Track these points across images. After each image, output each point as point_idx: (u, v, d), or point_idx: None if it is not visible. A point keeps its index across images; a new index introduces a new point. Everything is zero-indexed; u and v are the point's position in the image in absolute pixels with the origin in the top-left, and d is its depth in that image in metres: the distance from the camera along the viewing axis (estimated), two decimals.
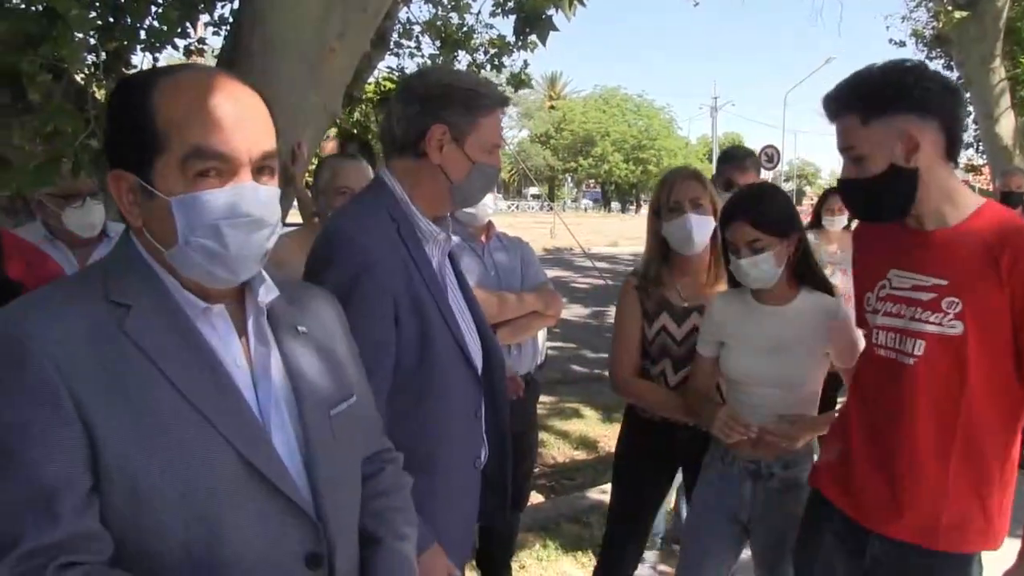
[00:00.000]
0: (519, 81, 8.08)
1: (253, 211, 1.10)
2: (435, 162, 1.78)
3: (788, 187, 54.11)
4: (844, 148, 1.80)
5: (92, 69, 3.11)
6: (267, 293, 1.20)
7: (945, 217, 1.81)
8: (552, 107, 61.81)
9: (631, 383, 2.72)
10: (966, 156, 14.43)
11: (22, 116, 2.80)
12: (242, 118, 1.11)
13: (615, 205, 64.72)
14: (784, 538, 2.28)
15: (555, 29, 5.44)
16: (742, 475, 2.36)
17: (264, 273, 1.21)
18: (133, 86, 1.13)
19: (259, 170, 1.13)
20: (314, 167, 3.62)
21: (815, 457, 2.32)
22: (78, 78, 3.37)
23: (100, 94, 3.31)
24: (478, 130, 1.77)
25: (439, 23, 7.19)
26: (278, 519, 1.12)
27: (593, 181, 64.91)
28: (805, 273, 2.34)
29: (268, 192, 1.13)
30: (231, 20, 4.24)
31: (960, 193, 1.82)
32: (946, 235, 1.80)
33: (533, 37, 5.89)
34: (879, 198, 1.81)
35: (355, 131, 6.10)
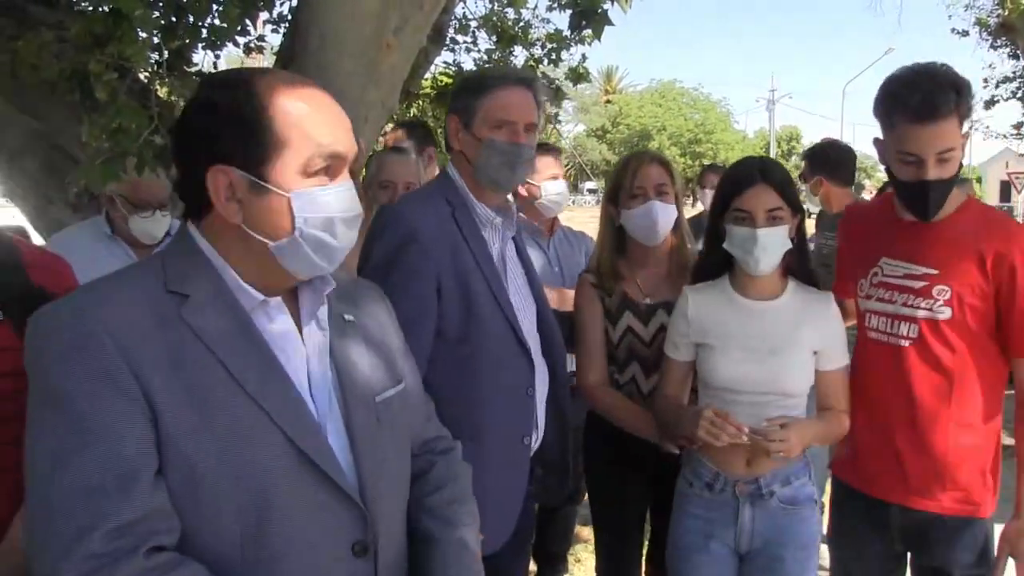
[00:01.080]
0: (577, 75, 8.03)
1: (356, 207, 1.22)
2: (457, 149, 1.99)
3: None
4: (945, 149, 1.83)
5: (156, 67, 3.17)
6: (325, 284, 1.25)
7: (944, 210, 1.98)
8: (608, 101, 61.43)
9: (601, 394, 2.47)
10: None
11: (91, 115, 2.88)
12: (343, 121, 1.23)
13: (689, 199, 64.01)
14: (785, 570, 2.06)
15: (610, 23, 5.37)
16: (739, 501, 2.08)
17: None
18: (234, 86, 1.18)
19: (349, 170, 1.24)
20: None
21: (812, 470, 2.17)
22: (142, 76, 3.45)
23: (163, 92, 3.38)
24: (482, 111, 1.91)
25: (495, 18, 7.18)
26: (327, 506, 1.15)
27: None
28: (798, 263, 2.12)
29: (355, 188, 1.25)
30: (289, 18, 4.29)
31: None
32: (937, 228, 1.98)
33: (588, 31, 5.85)
34: (945, 195, 1.93)
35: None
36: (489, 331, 1.91)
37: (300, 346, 1.22)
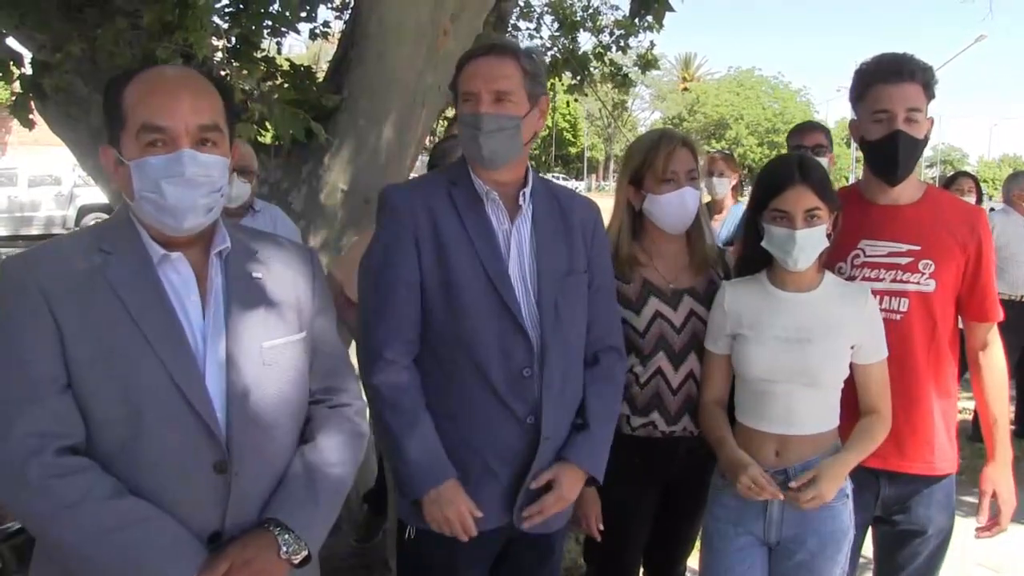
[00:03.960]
0: (646, 62, 7.97)
1: (186, 171, 1.37)
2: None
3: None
4: (912, 108, 2.06)
5: (225, 54, 3.33)
6: (220, 243, 1.48)
7: (911, 194, 2.18)
8: (686, 89, 60.42)
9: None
10: None
11: None
12: (178, 99, 1.39)
13: (748, 189, 62.51)
14: (814, 564, 2.06)
15: (671, 10, 5.32)
16: None
17: (223, 228, 1.50)
18: (115, 81, 1.45)
19: (201, 141, 1.40)
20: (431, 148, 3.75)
21: None
22: (213, 62, 3.61)
23: (231, 79, 3.54)
24: (458, 86, 1.92)
25: (560, 4, 7.20)
26: (192, 427, 1.37)
27: None
28: None
29: (207, 158, 1.40)
30: (351, 5, 4.43)
31: (915, 176, 2.20)
32: (913, 210, 2.16)
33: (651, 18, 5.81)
34: (914, 157, 2.11)
35: None
36: (471, 304, 1.87)
37: (195, 296, 1.44)
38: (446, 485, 1.84)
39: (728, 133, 54.94)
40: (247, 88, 3.12)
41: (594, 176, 58.68)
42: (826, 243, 2.02)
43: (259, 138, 3.67)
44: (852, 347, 2.05)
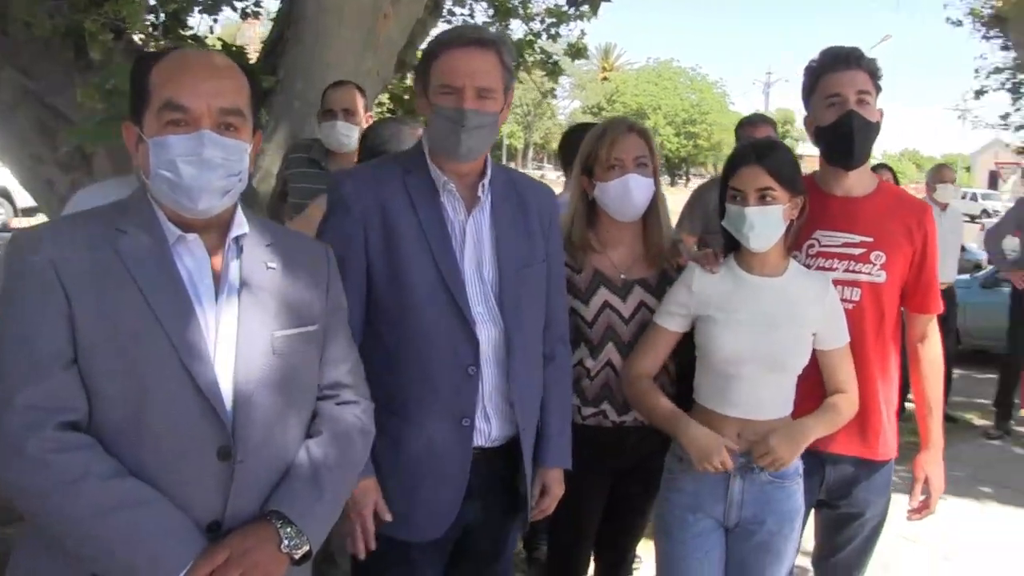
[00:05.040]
0: (576, 51, 7.97)
1: (205, 152, 1.36)
2: (421, 115, 1.95)
3: None
4: (862, 90, 2.13)
5: (152, 29, 3.15)
6: (236, 229, 1.46)
7: (865, 187, 2.22)
8: (605, 79, 61.09)
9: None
10: (1020, 138, 14.29)
11: (84, 74, 2.86)
12: (205, 80, 1.38)
13: (664, 178, 63.85)
14: (772, 543, 2.09)
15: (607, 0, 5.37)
16: (729, 475, 2.06)
17: (241, 214, 1.48)
18: (143, 60, 1.44)
19: (224, 126, 1.38)
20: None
21: None
22: (136, 38, 3.43)
23: None
24: (432, 75, 1.83)
25: None
26: (198, 410, 1.34)
27: None
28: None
29: (227, 142, 1.38)
30: None
31: (868, 168, 2.28)
32: (866, 202, 2.20)
33: (586, 7, 5.82)
34: (869, 140, 2.16)
35: (405, 96, 6.10)
36: (419, 297, 1.82)
37: (209, 279, 1.42)
38: (362, 484, 1.76)
39: (647, 123, 55.87)
40: None
41: (513, 163, 58.84)
42: (783, 225, 2.04)
43: None
44: (814, 334, 2.09)
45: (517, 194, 2.00)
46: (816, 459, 2.17)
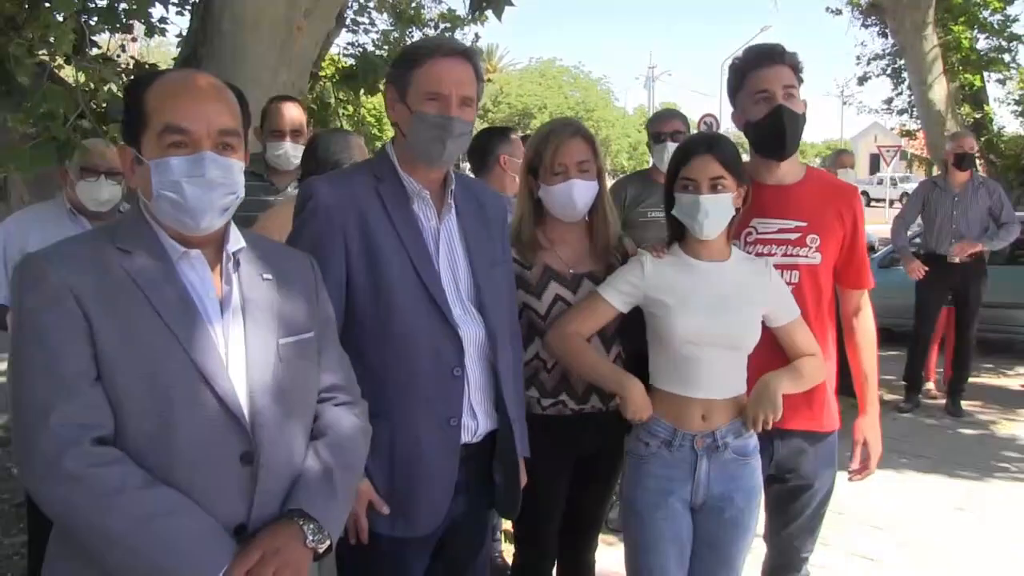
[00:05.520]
0: None
1: (207, 173, 1.42)
2: (392, 120, 1.97)
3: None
4: (787, 85, 2.24)
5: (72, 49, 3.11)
6: (234, 244, 1.52)
7: (795, 175, 2.35)
8: (489, 80, 61.20)
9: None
10: (900, 121, 14.59)
11: (4, 99, 2.81)
12: (202, 103, 1.44)
13: None
14: (739, 518, 2.19)
15: (510, 4, 5.48)
16: (697, 455, 2.16)
17: (235, 229, 1.54)
18: (136, 83, 1.50)
19: (222, 146, 1.44)
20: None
21: None
22: (47, 60, 3.36)
23: (77, 76, 3.31)
24: (415, 82, 1.88)
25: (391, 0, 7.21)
26: (219, 419, 1.40)
27: None
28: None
29: (226, 162, 1.45)
30: (197, 0, 4.23)
31: (796, 158, 2.37)
32: (797, 189, 2.33)
33: (488, 11, 5.94)
34: (798, 131, 2.27)
35: (314, 107, 6.11)
36: (401, 302, 1.87)
37: (214, 293, 1.47)
38: None
39: (532, 122, 56.43)
40: (114, 87, 2.94)
41: None
42: (731, 212, 2.17)
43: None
44: (764, 315, 2.22)
45: (476, 199, 2.09)
46: (764, 435, 2.25)
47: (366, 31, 7.20)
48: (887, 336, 7.47)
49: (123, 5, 3.37)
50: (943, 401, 6.20)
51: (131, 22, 3.54)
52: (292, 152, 3.19)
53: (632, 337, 2.36)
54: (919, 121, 11.92)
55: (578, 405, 2.38)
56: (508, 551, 3.63)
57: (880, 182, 31.84)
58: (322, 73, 6.61)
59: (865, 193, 28.33)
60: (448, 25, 7.68)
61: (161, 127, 1.42)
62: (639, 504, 2.21)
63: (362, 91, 6.69)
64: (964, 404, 6.07)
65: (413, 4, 7.72)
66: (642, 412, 2.15)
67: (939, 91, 9.98)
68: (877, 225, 12.84)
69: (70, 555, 1.39)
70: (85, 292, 1.36)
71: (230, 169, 1.46)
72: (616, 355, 2.40)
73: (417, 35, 7.65)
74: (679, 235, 2.24)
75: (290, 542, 1.42)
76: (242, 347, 1.47)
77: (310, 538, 1.44)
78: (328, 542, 1.48)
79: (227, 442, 1.42)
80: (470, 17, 7.08)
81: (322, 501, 1.50)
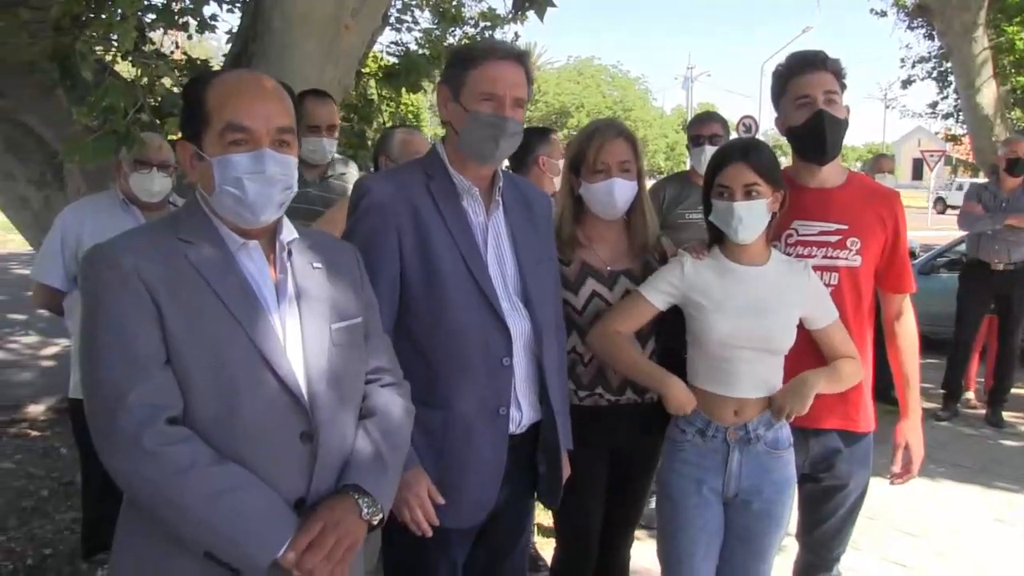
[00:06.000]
0: None
1: (267, 170, 1.50)
2: (445, 119, 2.04)
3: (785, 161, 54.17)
4: (829, 90, 2.28)
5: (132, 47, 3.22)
6: (287, 235, 1.60)
7: (837, 178, 2.39)
8: None
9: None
10: (946, 126, 14.38)
11: (71, 93, 2.92)
12: (261, 102, 1.52)
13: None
14: (772, 510, 2.23)
15: (552, 5, 5.51)
16: (729, 446, 2.22)
17: (287, 220, 1.61)
18: (196, 82, 1.58)
19: (279, 143, 1.52)
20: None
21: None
22: (108, 56, 3.48)
23: (137, 72, 3.42)
24: (470, 82, 1.95)
25: None
26: (280, 399, 1.49)
27: None
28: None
29: (283, 158, 1.53)
30: None
31: (839, 161, 2.41)
32: (839, 192, 2.36)
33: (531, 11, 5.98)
34: (839, 136, 2.31)
35: (358, 103, 6.21)
36: (453, 295, 1.93)
37: (270, 281, 1.56)
38: (412, 471, 1.88)
39: (570, 121, 56.35)
40: (170, 84, 3.04)
41: None
42: (767, 218, 2.21)
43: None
44: (802, 317, 2.25)
45: (523, 196, 2.16)
46: (800, 433, 2.30)
47: (409, 29, 7.27)
48: (925, 343, 7.17)
49: (179, 4, 3.47)
50: (983, 411, 6.06)
51: (186, 19, 3.63)
52: (329, 147, 3.36)
53: (668, 334, 2.41)
54: (965, 125, 11.60)
55: (614, 397, 2.44)
56: (539, 543, 3.70)
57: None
58: (365, 70, 6.72)
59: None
60: (488, 24, 7.75)
61: (223, 125, 1.49)
62: (673, 488, 2.29)
63: (403, 89, 6.80)
64: (1005, 415, 5.93)
65: (455, 3, 7.80)
66: (686, 407, 2.21)
67: (988, 95, 9.65)
68: (919, 232, 12.54)
69: (139, 517, 1.48)
70: (153, 280, 1.43)
71: (287, 165, 1.54)
72: (651, 352, 2.45)
73: (459, 34, 7.75)
74: (718, 238, 2.29)
75: (348, 515, 1.51)
76: (298, 332, 1.55)
77: (365, 511, 1.53)
78: (380, 515, 1.57)
79: (288, 422, 1.50)
80: (511, 16, 7.16)
81: (374, 477, 1.59)
